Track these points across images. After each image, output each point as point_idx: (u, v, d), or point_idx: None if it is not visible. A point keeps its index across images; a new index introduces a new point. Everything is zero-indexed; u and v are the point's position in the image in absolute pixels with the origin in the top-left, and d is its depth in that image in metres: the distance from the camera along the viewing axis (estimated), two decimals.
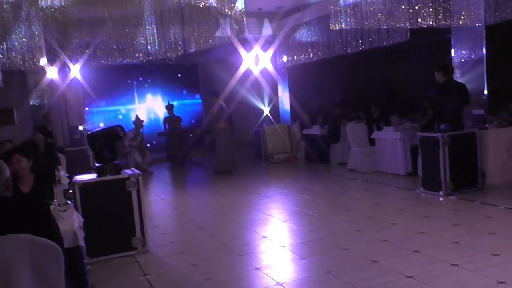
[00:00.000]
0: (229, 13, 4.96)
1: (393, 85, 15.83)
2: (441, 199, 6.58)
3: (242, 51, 12.56)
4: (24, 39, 6.86)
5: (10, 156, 4.03)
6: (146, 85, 15.36)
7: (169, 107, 12.98)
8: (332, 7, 6.90)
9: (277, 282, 4.10)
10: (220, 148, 10.66)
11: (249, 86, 13.25)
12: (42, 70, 9.92)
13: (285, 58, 12.65)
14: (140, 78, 15.28)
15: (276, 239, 5.46)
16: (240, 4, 5.19)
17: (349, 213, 6.37)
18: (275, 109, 13.57)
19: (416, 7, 7.29)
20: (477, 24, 7.99)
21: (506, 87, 9.73)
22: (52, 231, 2.82)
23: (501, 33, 8.42)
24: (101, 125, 13.35)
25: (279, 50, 12.77)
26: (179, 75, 15.82)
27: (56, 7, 7.06)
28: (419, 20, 7.54)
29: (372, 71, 15.49)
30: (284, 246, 5.16)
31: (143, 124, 12.52)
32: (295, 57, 12.16)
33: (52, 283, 2.47)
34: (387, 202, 6.92)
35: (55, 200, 3.92)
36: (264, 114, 13.43)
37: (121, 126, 5.54)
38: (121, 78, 14.67)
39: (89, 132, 5.58)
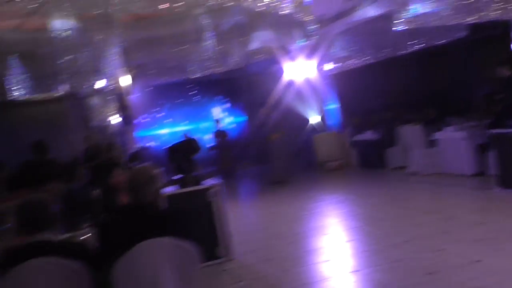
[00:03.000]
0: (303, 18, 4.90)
1: (440, 86, 15.48)
2: None
3: (285, 61, 12.51)
4: None
5: None
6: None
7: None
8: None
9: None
10: (275, 159, 10.60)
11: (294, 95, 13.19)
12: None
13: (330, 65, 12.56)
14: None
15: (359, 244, 5.33)
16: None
17: (427, 216, 6.15)
18: (323, 117, 13.44)
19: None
20: None
21: None
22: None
23: None
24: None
25: (324, 58, 12.67)
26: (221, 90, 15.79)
27: None
28: (481, 14, 7.34)
29: (415, 72, 15.19)
30: (366, 251, 5.03)
31: None
32: (341, 63, 12.07)
33: (191, 281, 2.49)
34: (466, 203, 6.68)
35: None
36: (313, 122, 13.32)
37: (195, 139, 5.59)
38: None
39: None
